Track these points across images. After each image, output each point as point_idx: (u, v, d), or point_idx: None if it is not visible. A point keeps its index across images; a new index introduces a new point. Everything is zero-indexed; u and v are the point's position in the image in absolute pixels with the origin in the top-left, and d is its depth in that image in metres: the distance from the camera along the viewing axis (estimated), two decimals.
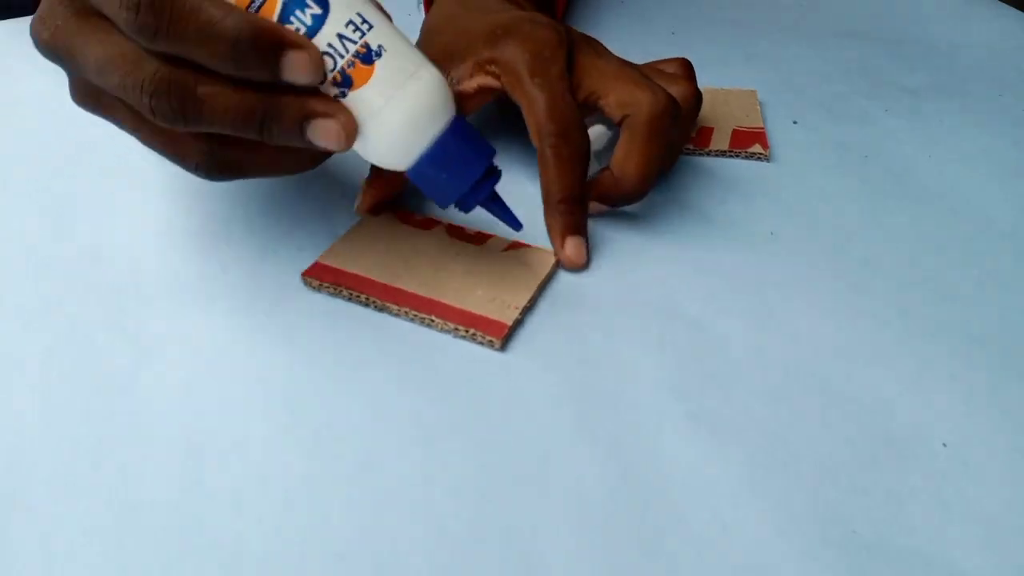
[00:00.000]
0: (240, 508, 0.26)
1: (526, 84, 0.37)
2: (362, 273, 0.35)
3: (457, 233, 0.37)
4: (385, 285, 0.34)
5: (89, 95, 0.30)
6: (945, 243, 0.39)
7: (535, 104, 0.36)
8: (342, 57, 0.28)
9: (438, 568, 0.25)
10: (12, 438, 0.28)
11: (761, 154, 0.45)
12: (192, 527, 0.26)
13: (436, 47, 0.41)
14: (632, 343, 0.33)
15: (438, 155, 0.30)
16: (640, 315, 0.34)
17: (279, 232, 0.38)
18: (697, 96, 0.41)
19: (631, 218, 0.40)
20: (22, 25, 0.57)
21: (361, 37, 0.28)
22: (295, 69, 0.27)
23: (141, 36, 0.26)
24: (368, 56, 0.28)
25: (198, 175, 0.30)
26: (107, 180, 0.42)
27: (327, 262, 0.35)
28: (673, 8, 0.64)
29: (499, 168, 0.33)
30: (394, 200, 0.40)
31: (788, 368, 0.32)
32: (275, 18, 0.27)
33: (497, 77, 0.38)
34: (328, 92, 0.29)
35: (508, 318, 0.33)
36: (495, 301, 0.33)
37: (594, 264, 0.37)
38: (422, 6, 0.51)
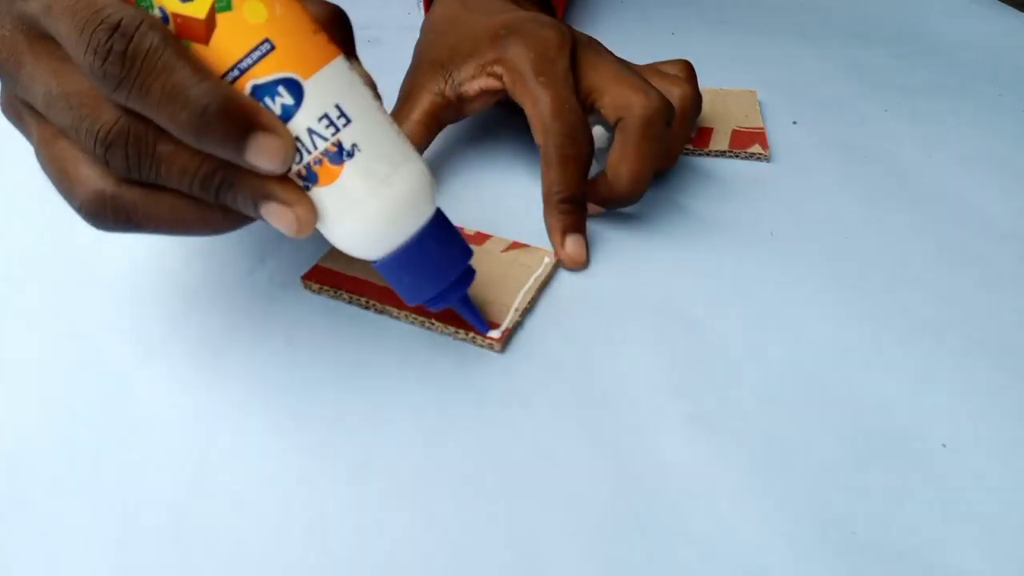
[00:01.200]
0: (240, 508, 0.26)
1: (531, 83, 0.37)
2: (361, 276, 0.35)
3: None
4: (385, 288, 0.34)
5: (12, 107, 0.27)
6: (945, 243, 0.39)
7: (540, 103, 0.36)
8: (309, 153, 0.25)
9: (438, 568, 0.25)
10: (12, 438, 0.28)
11: (761, 154, 0.45)
12: (192, 527, 0.26)
13: (438, 48, 0.41)
14: (632, 343, 0.33)
15: (404, 259, 0.28)
16: (640, 315, 0.34)
17: (278, 232, 0.38)
18: (696, 98, 0.41)
19: (631, 219, 0.40)
20: None
21: (334, 134, 0.25)
22: (261, 154, 0.24)
23: (103, 84, 0.23)
24: (339, 156, 0.25)
25: (82, 216, 0.26)
26: None
27: (326, 265, 0.35)
28: (673, 8, 0.64)
29: (473, 269, 0.30)
30: None
31: (788, 368, 0.32)
32: None
33: (500, 79, 0.38)
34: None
35: (508, 320, 0.33)
36: (495, 303, 0.33)
37: (593, 265, 0.37)
38: (422, 6, 0.51)
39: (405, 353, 0.32)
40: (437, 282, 0.29)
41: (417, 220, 0.28)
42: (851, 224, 0.40)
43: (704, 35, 0.60)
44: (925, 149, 0.46)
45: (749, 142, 0.45)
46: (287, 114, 0.25)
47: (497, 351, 0.32)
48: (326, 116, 0.25)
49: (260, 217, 0.26)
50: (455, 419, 0.29)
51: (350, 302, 0.34)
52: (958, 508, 0.27)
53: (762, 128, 0.46)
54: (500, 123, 0.46)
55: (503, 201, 0.40)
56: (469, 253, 0.30)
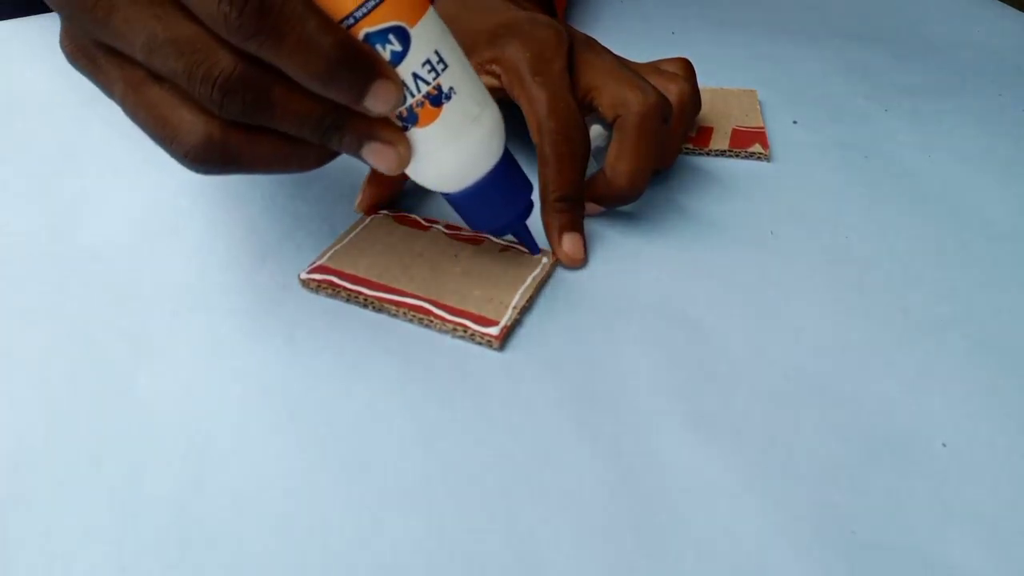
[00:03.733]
0: (240, 508, 0.26)
1: (527, 83, 0.37)
2: (360, 274, 0.35)
3: (455, 233, 0.37)
4: (384, 286, 0.34)
5: (83, 53, 0.27)
6: (945, 243, 0.39)
7: (536, 102, 0.36)
8: (412, 96, 0.27)
9: (438, 568, 0.25)
10: (13, 438, 0.28)
11: (761, 154, 0.45)
12: (192, 527, 0.26)
13: None
14: (631, 343, 0.33)
15: (480, 192, 0.31)
16: (639, 315, 0.34)
17: (279, 232, 0.38)
18: (694, 95, 0.41)
19: (630, 218, 0.40)
20: (22, 25, 0.57)
21: (435, 78, 0.27)
22: (378, 100, 0.26)
23: (234, 33, 0.24)
24: (438, 98, 0.28)
25: (185, 163, 0.27)
26: (107, 180, 0.42)
27: (325, 263, 0.35)
28: (673, 8, 0.65)
29: (532, 201, 0.34)
30: (392, 199, 0.40)
31: (788, 368, 0.32)
32: None
33: (498, 78, 0.38)
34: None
35: (506, 318, 0.33)
36: (493, 301, 0.33)
37: (593, 264, 0.37)
38: None
39: (404, 352, 0.32)
40: (511, 208, 0.33)
41: (498, 153, 0.31)
42: (851, 224, 0.40)
43: (704, 35, 0.60)
44: (925, 149, 0.46)
45: (749, 141, 0.45)
46: (396, 60, 0.26)
47: (496, 349, 0.32)
48: (428, 62, 0.27)
49: (359, 156, 0.28)
50: (454, 418, 0.29)
51: (348, 300, 0.34)
52: (958, 508, 0.27)
53: (762, 127, 0.46)
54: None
55: None
56: (530, 189, 0.33)
